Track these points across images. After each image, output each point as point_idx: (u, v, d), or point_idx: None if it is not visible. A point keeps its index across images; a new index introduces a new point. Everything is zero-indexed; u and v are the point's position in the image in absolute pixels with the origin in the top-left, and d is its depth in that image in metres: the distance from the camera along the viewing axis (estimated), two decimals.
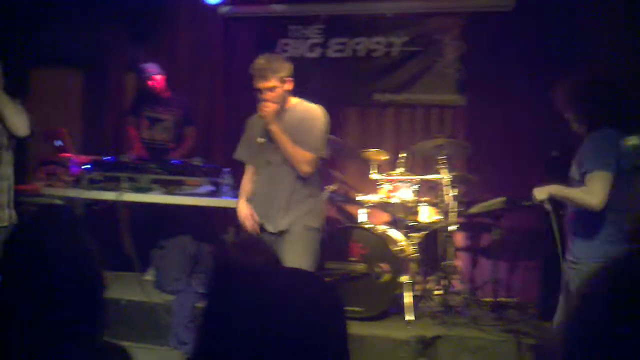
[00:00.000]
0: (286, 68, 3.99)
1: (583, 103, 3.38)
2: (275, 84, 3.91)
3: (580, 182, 3.30)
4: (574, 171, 3.39)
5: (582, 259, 3.29)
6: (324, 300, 1.56)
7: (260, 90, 3.93)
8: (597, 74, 3.55)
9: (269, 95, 3.93)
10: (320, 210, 4.23)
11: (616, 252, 3.06)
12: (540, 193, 3.51)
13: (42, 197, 4.99)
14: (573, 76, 3.54)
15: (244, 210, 4.18)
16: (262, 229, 4.13)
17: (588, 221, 3.29)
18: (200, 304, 4.78)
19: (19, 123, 4.17)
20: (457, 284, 5.39)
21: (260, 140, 4.08)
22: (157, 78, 6.14)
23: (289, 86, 4.02)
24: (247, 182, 4.29)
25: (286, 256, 3.77)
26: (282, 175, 4.06)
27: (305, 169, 4.01)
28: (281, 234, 4.06)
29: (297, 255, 3.91)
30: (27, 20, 6.48)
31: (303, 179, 4.06)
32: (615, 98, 3.38)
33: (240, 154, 4.33)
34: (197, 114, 6.55)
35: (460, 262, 5.95)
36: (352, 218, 6.17)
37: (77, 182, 5.19)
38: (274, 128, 3.96)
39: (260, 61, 3.95)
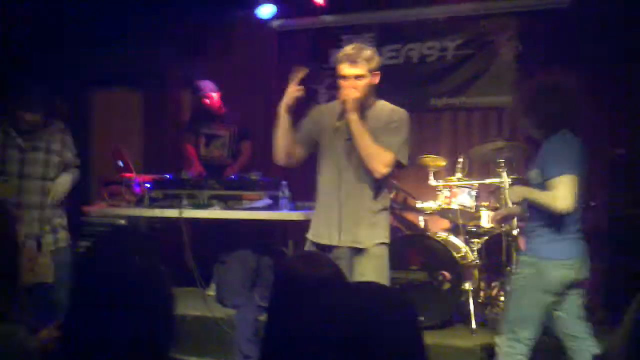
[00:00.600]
0: (376, 60, 3.70)
1: (542, 108, 3.48)
2: (363, 72, 3.60)
3: (541, 186, 3.44)
4: (534, 175, 3.52)
5: (546, 259, 3.51)
6: (399, 315, 1.52)
7: (344, 77, 3.63)
8: (555, 79, 3.63)
9: (354, 83, 3.60)
10: (389, 224, 3.91)
11: (580, 250, 3.62)
12: (516, 195, 3.77)
13: (106, 218, 5.12)
14: (531, 81, 3.69)
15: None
16: (326, 246, 3.75)
17: (553, 221, 3.47)
18: (263, 318, 4.82)
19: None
20: None
21: (338, 124, 3.66)
22: (212, 95, 6.22)
23: (375, 79, 3.71)
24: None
25: (364, 274, 3.59)
26: (357, 186, 3.71)
27: (382, 169, 3.63)
28: (356, 250, 3.70)
29: (376, 273, 3.62)
30: (87, 43, 6.66)
31: (378, 191, 3.75)
32: (572, 102, 3.55)
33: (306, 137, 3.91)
34: (253, 128, 6.61)
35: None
36: (412, 226, 6.12)
37: (139, 202, 5.31)
38: (354, 117, 3.57)
39: (351, 47, 3.68)
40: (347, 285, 1.96)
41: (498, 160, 5.16)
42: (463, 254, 5.18)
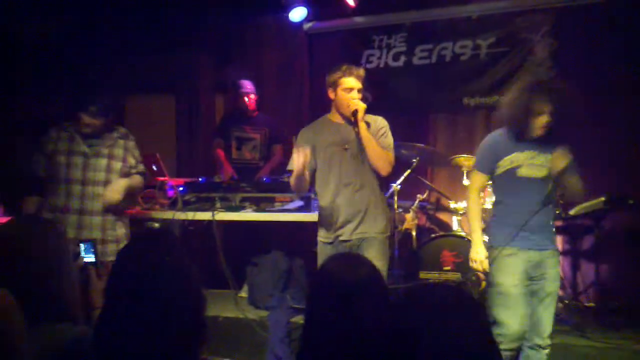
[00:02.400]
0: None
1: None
2: (362, 86, 4.20)
3: None
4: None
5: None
6: (470, 316, 1.49)
7: (351, 90, 4.15)
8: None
9: (359, 95, 4.16)
10: (390, 217, 4.41)
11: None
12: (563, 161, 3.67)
13: (141, 221, 5.17)
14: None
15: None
16: (335, 238, 4.23)
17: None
18: (295, 319, 4.82)
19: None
20: (559, 290, 5.17)
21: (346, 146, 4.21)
22: (251, 96, 6.25)
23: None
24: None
25: (376, 263, 3.85)
26: (363, 184, 4.18)
27: (388, 167, 4.19)
28: (358, 241, 4.17)
29: (384, 262, 4.17)
30: (120, 48, 6.75)
31: (379, 187, 4.26)
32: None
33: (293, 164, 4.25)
34: (285, 131, 6.62)
35: (561, 266, 5.72)
36: (445, 226, 6.07)
37: (173, 205, 5.35)
38: (364, 125, 4.11)
39: (350, 65, 4.24)
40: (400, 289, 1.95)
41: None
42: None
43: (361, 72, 4.21)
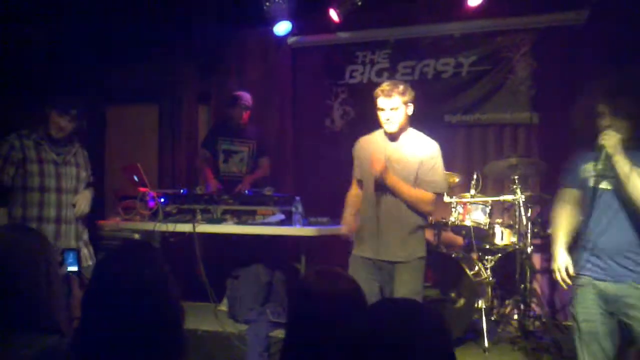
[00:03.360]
0: (410, 94, 4.13)
1: None
2: (398, 105, 4.05)
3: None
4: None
5: None
6: (431, 331, 1.50)
7: (382, 110, 4.07)
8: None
9: (391, 115, 4.06)
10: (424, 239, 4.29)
11: None
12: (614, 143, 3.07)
13: (120, 232, 5.14)
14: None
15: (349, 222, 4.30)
16: (367, 257, 4.18)
17: None
18: (274, 333, 4.81)
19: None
20: (536, 308, 5.24)
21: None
22: (248, 111, 6.19)
23: (410, 111, 4.16)
24: (354, 197, 4.39)
25: (404, 286, 4.02)
26: (399, 205, 4.09)
27: (427, 209, 4.17)
28: (395, 264, 4.09)
29: (414, 285, 4.09)
30: (102, 58, 6.73)
31: (412, 212, 4.12)
32: None
33: (358, 173, 4.37)
34: (271, 143, 6.64)
35: (538, 284, 5.79)
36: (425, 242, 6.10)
37: (153, 216, 5.33)
38: (391, 179, 4.02)
39: (387, 83, 4.14)
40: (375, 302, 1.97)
41: (512, 177, 5.14)
42: (476, 271, 5.15)
43: (396, 90, 4.04)
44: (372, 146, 4.23)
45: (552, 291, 5.83)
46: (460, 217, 5.30)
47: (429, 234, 6.06)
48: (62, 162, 4.34)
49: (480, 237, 5.34)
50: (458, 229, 5.44)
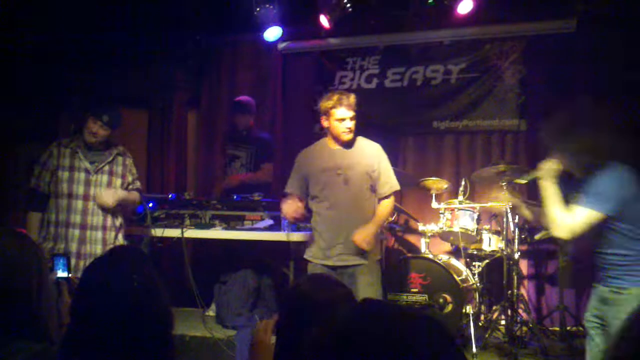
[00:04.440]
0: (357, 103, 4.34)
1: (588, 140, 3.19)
2: (355, 114, 4.29)
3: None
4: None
5: None
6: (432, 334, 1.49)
7: (342, 120, 4.24)
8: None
9: (352, 124, 4.27)
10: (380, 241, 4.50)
11: None
12: (548, 173, 3.31)
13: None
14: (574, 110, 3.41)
15: (294, 205, 4.31)
16: (327, 264, 4.29)
17: None
18: None
19: (133, 207, 4.80)
20: (523, 314, 5.25)
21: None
22: (251, 115, 6.15)
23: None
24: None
25: (362, 289, 4.10)
26: (356, 210, 4.27)
27: (391, 213, 4.59)
28: (353, 267, 4.22)
29: (373, 288, 4.21)
30: (91, 62, 6.73)
31: (372, 213, 4.32)
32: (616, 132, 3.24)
33: (293, 187, 4.49)
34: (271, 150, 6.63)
35: (525, 290, 5.81)
36: (413, 248, 6.12)
37: (142, 221, 5.32)
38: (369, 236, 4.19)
39: (341, 94, 4.31)
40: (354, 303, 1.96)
41: (500, 184, 5.16)
42: (464, 277, 5.17)
43: (352, 99, 4.26)
44: (324, 156, 4.39)
45: (539, 297, 5.86)
46: (449, 223, 5.33)
47: (415, 239, 6.10)
48: (94, 170, 4.45)
49: (468, 243, 5.37)
50: (446, 235, 5.46)
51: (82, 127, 4.50)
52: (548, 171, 3.30)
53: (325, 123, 4.33)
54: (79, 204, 4.40)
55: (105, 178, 4.48)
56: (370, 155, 4.35)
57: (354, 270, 4.21)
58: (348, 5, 6.07)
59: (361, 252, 4.20)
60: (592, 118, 3.27)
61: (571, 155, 3.24)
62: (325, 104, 4.27)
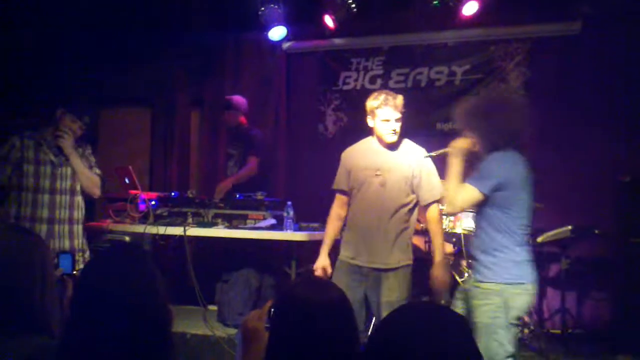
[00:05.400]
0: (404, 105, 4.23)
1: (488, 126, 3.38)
2: (401, 116, 4.17)
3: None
4: None
5: (512, 284, 3.32)
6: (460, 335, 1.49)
7: (387, 121, 4.12)
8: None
9: (397, 125, 4.15)
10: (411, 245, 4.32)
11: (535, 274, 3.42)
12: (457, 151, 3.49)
13: (111, 234, 5.14)
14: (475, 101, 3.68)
15: (323, 262, 4.27)
16: (354, 264, 4.19)
17: (512, 241, 3.38)
18: None
19: (92, 187, 4.44)
20: (524, 316, 5.24)
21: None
22: (241, 114, 6.18)
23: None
24: (336, 220, 4.36)
25: (384, 293, 4.04)
26: (388, 214, 4.13)
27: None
28: (382, 271, 4.11)
29: (395, 293, 4.06)
30: (94, 60, 6.74)
31: (407, 217, 4.19)
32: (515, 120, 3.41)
33: (340, 183, 4.37)
34: (261, 149, 6.65)
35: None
36: (415, 249, 6.10)
37: (144, 219, 5.33)
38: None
39: (389, 94, 4.19)
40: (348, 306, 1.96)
41: None
42: (466, 279, 5.15)
43: (399, 101, 4.15)
44: (367, 154, 4.26)
45: (540, 300, 5.84)
46: (451, 224, 5.32)
47: (420, 241, 6.08)
48: (58, 163, 4.35)
49: (470, 244, 5.35)
50: (449, 236, 5.45)
51: (51, 122, 4.38)
52: (457, 149, 3.46)
53: (370, 123, 4.21)
54: (46, 198, 4.29)
55: (69, 170, 4.37)
56: (412, 159, 4.21)
57: (380, 274, 4.10)
58: (353, 5, 6.08)
59: (387, 255, 4.11)
60: (504, 104, 3.52)
61: (481, 136, 3.38)
62: (371, 103, 4.16)
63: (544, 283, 5.86)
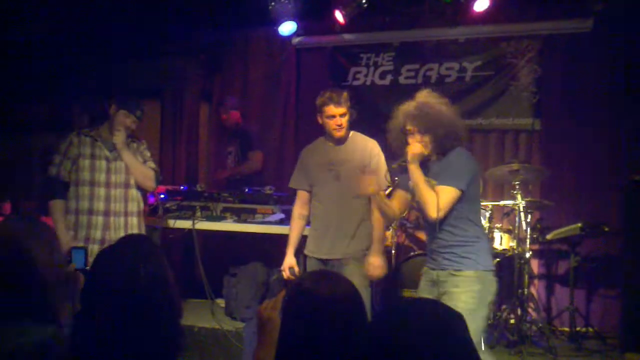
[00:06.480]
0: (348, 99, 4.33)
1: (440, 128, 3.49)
2: (346, 111, 4.27)
3: None
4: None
5: (488, 270, 3.50)
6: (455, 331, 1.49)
7: (332, 117, 4.24)
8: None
9: (342, 120, 4.25)
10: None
11: None
12: (414, 157, 3.50)
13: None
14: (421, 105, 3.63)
15: (290, 261, 4.41)
16: (319, 257, 4.34)
17: (481, 232, 3.63)
18: None
19: (145, 179, 4.55)
20: (533, 313, 5.24)
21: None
22: (230, 113, 6.30)
23: (351, 116, 4.36)
24: (298, 219, 4.48)
25: (352, 280, 3.93)
26: (344, 206, 4.26)
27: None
28: (342, 260, 4.24)
29: (355, 276, 3.98)
30: (104, 54, 6.76)
31: (365, 208, 4.27)
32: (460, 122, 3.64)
33: (296, 182, 4.53)
34: (269, 143, 6.67)
35: (536, 290, 5.79)
36: (423, 245, 6.10)
37: (153, 212, 5.35)
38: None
39: (332, 91, 4.31)
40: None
41: (513, 182, 5.15)
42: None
43: (343, 96, 4.26)
44: (320, 151, 4.43)
45: (549, 297, 5.83)
46: None
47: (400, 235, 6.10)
48: (113, 158, 4.48)
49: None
50: None
51: (105, 119, 4.53)
52: (415, 155, 3.49)
53: (319, 120, 4.35)
54: (102, 191, 4.43)
55: (123, 164, 4.49)
56: (363, 151, 4.34)
57: (340, 262, 4.23)
58: (363, 1, 6.06)
59: (347, 245, 4.24)
60: (445, 104, 3.62)
61: (435, 140, 3.47)
62: (318, 101, 4.30)
63: (552, 280, 5.86)
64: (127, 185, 4.52)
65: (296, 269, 4.37)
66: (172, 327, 1.92)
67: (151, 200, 5.42)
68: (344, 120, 4.26)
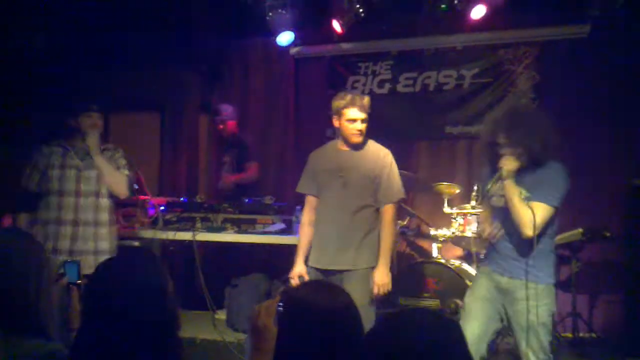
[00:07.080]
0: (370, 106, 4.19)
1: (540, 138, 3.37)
2: (367, 116, 4.13)
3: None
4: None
5: (554, 285, 3.50)
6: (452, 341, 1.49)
7: (353, 121, 4.10)
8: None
9: (363, 126, 4.12)
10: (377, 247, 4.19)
11: None
12: (509, 173, 3.37)
13: (120, 240, 5.15)
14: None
15: (299, 270, 4.23)
16: (318, 268, 4.18)
17: (551, 245, 3.52)
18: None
19: (117, 185, 4.44)
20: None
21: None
22: (227, 122, 6.31)
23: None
24: (307, 225, 4.32)
25: (353, 295, 3.80)
26: (350, 215, 4.10)
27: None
28: (342, 272, 4.07)
29: (357, 294, 3.88)
30: (104, 64, 6.76)
31: (372, 218, 4.14)
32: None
33: (304, 187, 4.38)
34: (269, 152, 6.66)
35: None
36: (425, 253, 6.09)
37: (153, 224, 5.35)
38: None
39: (356, 95, 4.16)
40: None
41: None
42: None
43: (365, 101, 4.12)
44: (330, 156, 4.29)
45: None
46: (461, 228, 5.31)
47: (427, 244, 6.08)
48: (84, 167, 4.41)
49: (480, 248, 5.33)
50: (458, 239, 5.44)
51: (74, 129, 4.42)
52: (509, 171, 3.35)
53: (336, 123, 4.18)
54: (71, 200, 4.34)
55: (94, 173, 4.40)
56: (375, 160, 4.18)
57: (342, 276, 4.05)
58: (360, 10, 6.07)
59: (351, 257, 4.07)
60: (540, 114, 3.57)
61: (530, 152, 3.32)
62: (337, 103, 4.14)
63: (554, 286, 5.83)
64: (97, 195, 4.42)
65: (306, 277, 4.16)
66: (171, 338, 1.91)
67: (151, 212, 5.41)
68: (364, 127, 4.12)
